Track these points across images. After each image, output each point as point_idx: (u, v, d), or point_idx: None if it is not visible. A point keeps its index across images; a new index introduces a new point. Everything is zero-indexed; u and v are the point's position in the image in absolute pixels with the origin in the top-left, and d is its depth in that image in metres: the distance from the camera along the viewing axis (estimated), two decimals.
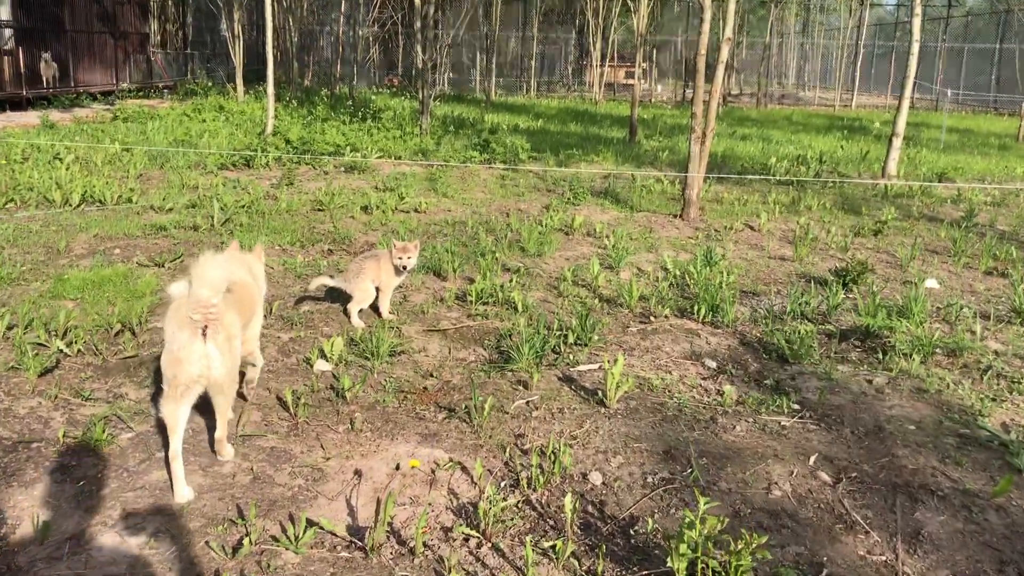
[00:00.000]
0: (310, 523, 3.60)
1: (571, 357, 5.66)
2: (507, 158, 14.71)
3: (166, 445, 3.91)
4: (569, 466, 4.17)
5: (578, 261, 8.26)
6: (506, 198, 11.64)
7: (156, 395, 4.83)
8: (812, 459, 4.39)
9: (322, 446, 4.34)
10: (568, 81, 40.80)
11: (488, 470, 4.15)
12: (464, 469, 4.16)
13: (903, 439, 4.66)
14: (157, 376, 5.06)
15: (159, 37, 30.44)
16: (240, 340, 4.12)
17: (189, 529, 3.56)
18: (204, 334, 3.72)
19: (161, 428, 4.34)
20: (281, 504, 3.80)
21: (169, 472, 3.87)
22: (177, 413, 3.80)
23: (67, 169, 11.35)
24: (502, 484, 4.05)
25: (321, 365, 5.32)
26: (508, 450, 4.35)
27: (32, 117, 17.40)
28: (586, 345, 5.85)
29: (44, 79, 21.06)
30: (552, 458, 4.18)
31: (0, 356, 5.21)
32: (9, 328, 5.61)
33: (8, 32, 20.17)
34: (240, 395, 4.68)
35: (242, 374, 4.85)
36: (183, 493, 3.79)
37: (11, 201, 9.68)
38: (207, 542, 3.46)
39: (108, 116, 18.72)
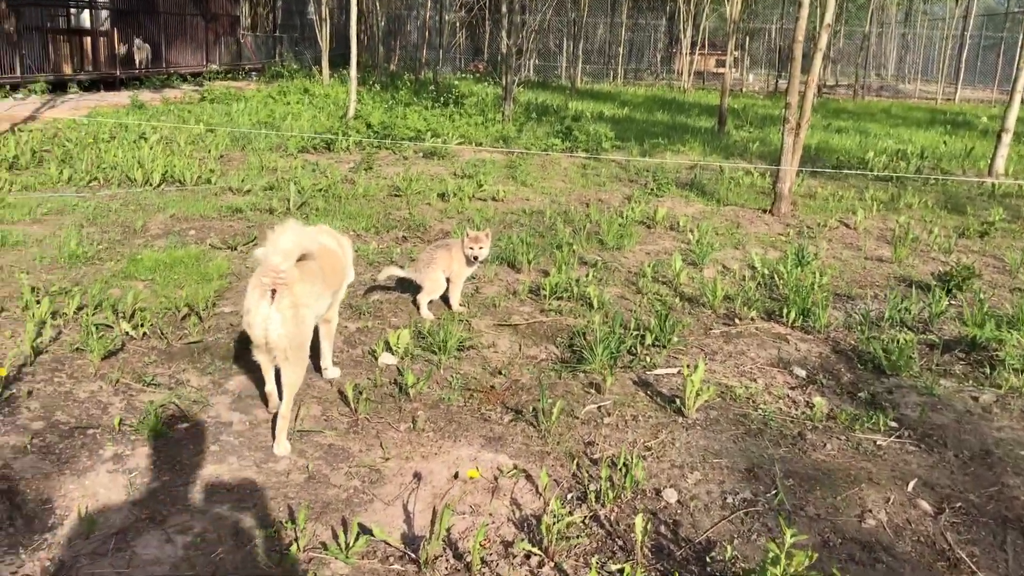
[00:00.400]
0: (363, 530, 3.39)
1: (648, 359, 5.33)
2: (590, 146, 14.37)
3: (262, 383, 4.42)
4: (642, 481, 3.87)
5: (659, 256, 7.90)
6: (587, 188, 11.31)
7: (219, 381, 4.72)
8: (911, 485, 3.99)
9: (382, 445, 4.14)
10: (656, 69, 40.04)
11: (554, 480, 3.88)
12: (529, 477, 3.90)
13: (1014, 466, 4.22)
14: (221, 363, 4.95)
15: (249, 20, 30.83)
16: (312, 310, 4.13)
17: (238, 530, 3.39)
18: (272, 298, 3.83)
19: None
20: (335, 507, 3.61)
21: (265, 403, 4.43)
22: (265, 359, 4.15)
23: (150, 149, 11.46)
24: (568, 497, 3.78)
25: (386, 358, 5.12)
26: (576, 459, 4.07)
27: (124, 97, 17.75)
28: (664, 347, 5.52)
29: (136, 61, 21.50)
30: (623, 471, 3.88)
31: (68, 337, 5.16)
32: (79, 308, 5.57)
33: (105, 13, 20.64)
34: None
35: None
36: (275, 402, 4.23)
37: (95, 179, 9.79)
38: (254, 546, 3.28)
39: (196, 97, 19.00)
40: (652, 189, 11.13)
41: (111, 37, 20.62)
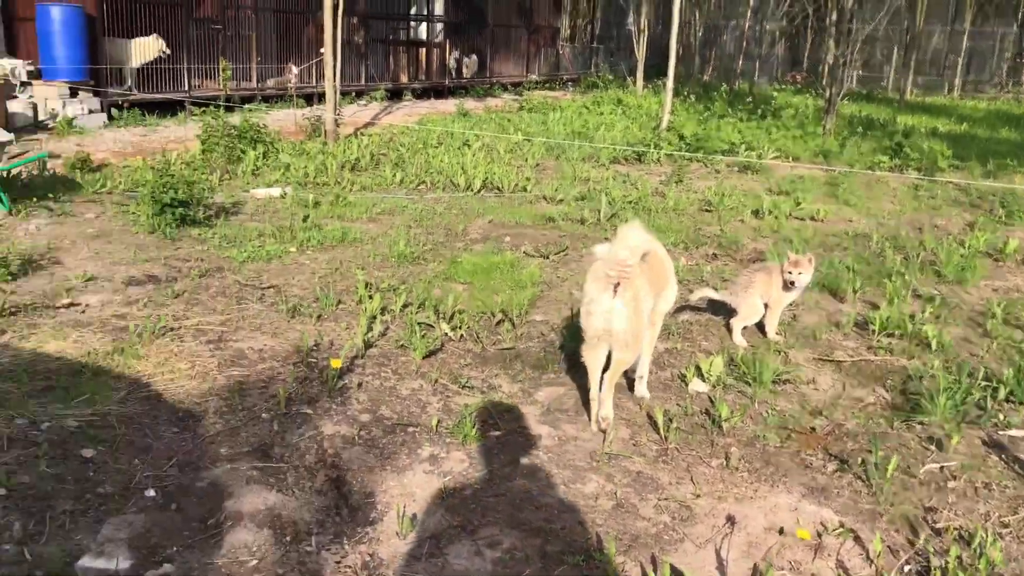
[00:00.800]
0: (675, 573, 3.18)
1: (1001, 417, 4.63)
2: (922, 165, 13.10)
3: (573, 397, 4.53)
4: (999, 564, 3.31)
5: (1010, 294, 6.95)
6: (919, 211, 10.30)
7: (529, 390, 4.73)
8: None
9: (692, 480, 3.91)
10: (1001, 80, 36.05)
11: (888, 547, 3.44)
12: (857, 539, 3.48)
13: None
14: (532, 372, 4.97)
15: (569, 31, 31.76)
16: (649, 305, 4.28)
17: (545, 552, 3.32)
18: (615, 291, 3.98)
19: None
20: (643, 541, 3.43)
21: (587, 409, 4.39)
22: (593, 360, 4.22)
23: (473, 155, 12.04)
24: (906, 569, 3.32)
25: (697, 385, 4.88)
26: (915, 526, 3.58)
27: (450, 105, 18.90)
28: (1022, 403, 4.77)
29: (464, 72, 22.86)
30: (977, 550, 3.34)
31: (394, 333, 5.44)
32: (404, 306, 5.87)
33: (439, 27, 22.16)
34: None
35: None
36: (607, 412, 4.25)
37: (423, 183, 10.43)
38: (562, 572, 3.18)
39: (515, 106, 19.80)
40: (1000, 216, 9.89)
41: (443, 49, 22.10)
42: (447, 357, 5.16)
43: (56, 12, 12.90)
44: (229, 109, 12.38)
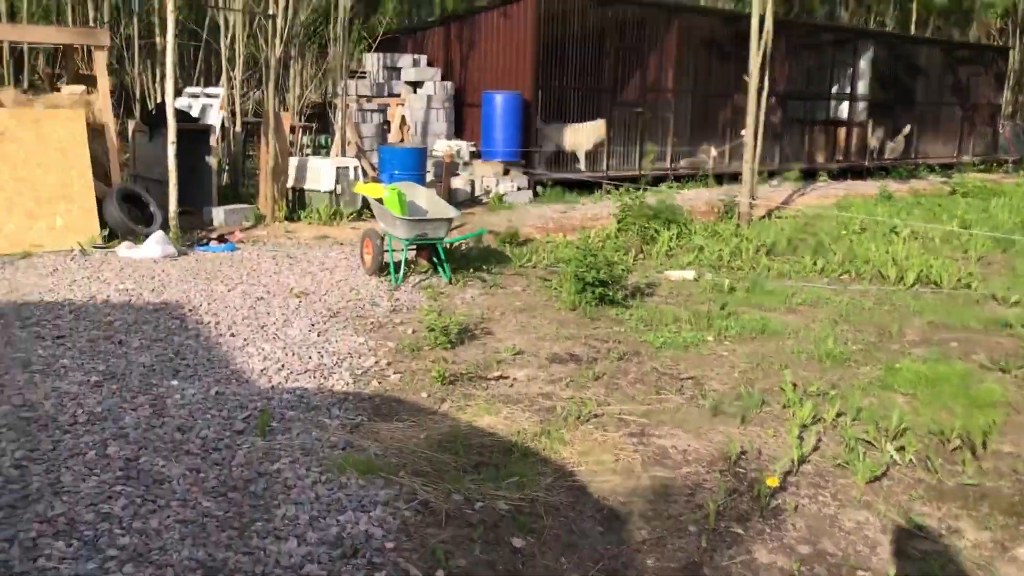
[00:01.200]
0: None
1: None
2: None
3: None
4: None
5: None
6: None
7: (1004, 542, 3.90)
8: None
9: None
10: None
11: None
12: None
13: None
14: (1004, 518, 4.11)
15: (1010, 108, 28.50)
16: None
17: None
18: None
19: None
20: None
21: None
22: None
23: (903, 244, 10.95)
24: None
25: None
26: None
27: (869, 187, 17.63)
28: None
29: (887, 152, 21.35)
30: None
31: (828, 448, 4.86)
32: (838, 415, 5.26)
33: (862, 105, 20.96)
34: None
35: None
36: None
37: (846, 272, 9.64)
38: None
39: (945, 189, 17.98)
40: None
41: (864, 128, 20.82)
42: (893, 485, 4.47)
43: (499, 99, 14.16)
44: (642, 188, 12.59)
